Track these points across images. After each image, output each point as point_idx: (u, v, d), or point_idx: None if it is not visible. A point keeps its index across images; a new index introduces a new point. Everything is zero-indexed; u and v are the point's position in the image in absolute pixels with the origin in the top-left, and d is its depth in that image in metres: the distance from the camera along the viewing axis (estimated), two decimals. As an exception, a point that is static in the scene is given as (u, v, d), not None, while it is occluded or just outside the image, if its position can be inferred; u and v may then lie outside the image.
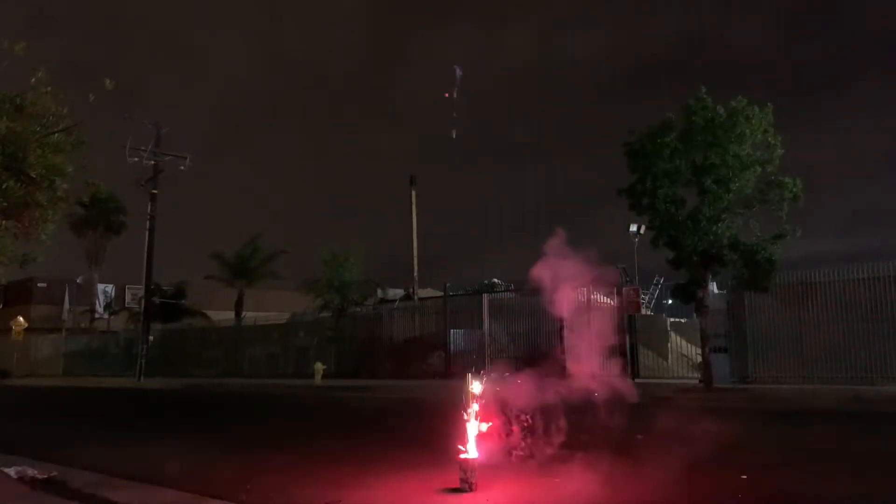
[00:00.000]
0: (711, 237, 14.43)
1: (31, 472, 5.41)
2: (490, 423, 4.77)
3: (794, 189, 14.17)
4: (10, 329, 35.82)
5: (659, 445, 6.90)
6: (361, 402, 15.00)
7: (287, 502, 4.44)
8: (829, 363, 15.35)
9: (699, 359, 16.59)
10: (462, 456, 4.65)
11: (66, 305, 42.95)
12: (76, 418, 12.62)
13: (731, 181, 14.30)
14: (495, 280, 30.33)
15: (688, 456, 6.02)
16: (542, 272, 5.29)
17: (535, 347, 20.20)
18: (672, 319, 22.20)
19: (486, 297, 23.05)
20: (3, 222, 6.34)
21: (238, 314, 35.38)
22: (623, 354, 18.31)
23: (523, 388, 5.13)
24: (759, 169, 14.45)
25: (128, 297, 45.63)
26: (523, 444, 5.17)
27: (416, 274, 24.31)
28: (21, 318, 36.35)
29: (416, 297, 24.56)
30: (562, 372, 6.18)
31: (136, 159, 28.80)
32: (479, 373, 4.86)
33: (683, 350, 20.73)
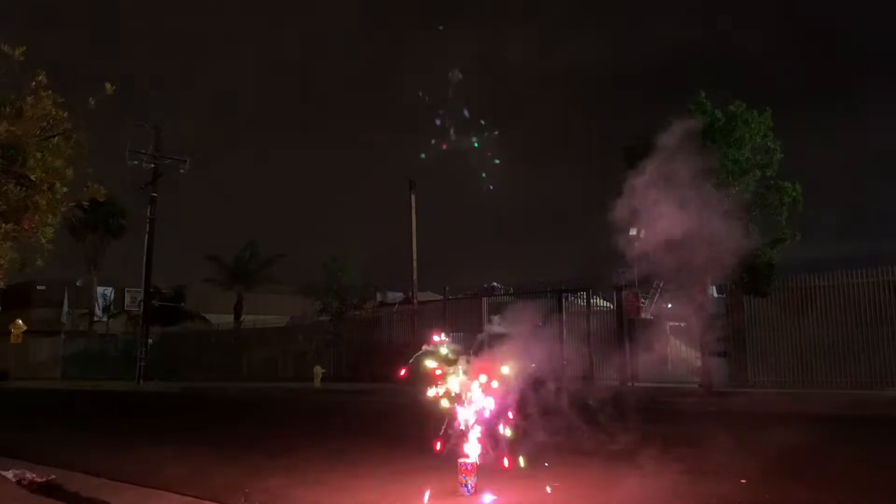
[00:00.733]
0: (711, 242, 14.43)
1: (29, 475, 5.40)
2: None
3: (794, 193, 14.20)
4: (10, 332, 35.78)
5: (657, 450, 6.90)
6: (360, 406, 14.98)
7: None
8: (829, 368, 15.35)
9: (699, 363, 16.59)
10: (461, 460, 4.65)
11: (66, 308, 42.94)
12: (75, 421, 12.60)
13: (730, 185, 14.32)
14: (495, 283, 30.33)
15: (686, 461, 6.02)
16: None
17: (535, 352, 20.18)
18: (671, 323, 22.18)
19: (485, 300, 23.04)
20: (3, 226, 6.33)
21: (237, 317, 35.38)
22: (623, 358, 18.32)
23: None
24: (758, 173, 14.47)
25: (127, 300, 45.60)
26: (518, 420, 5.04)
27: (415, 277, 24.31)
28: (20, 321, 36.32)
29: (415, 301, 24.54)
30: (560, 376, 6.15)
31: (135, 162, 28.84)
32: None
33: (683, 354, 20.71)
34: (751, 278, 14.72)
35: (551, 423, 5.35)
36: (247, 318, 34.28)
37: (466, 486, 4.60)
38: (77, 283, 43.91)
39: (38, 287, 43.94)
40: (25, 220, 6.43)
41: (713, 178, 14.27)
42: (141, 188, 29.31)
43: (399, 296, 33.91)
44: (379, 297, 33.88)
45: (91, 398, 19.77)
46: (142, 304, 31.74)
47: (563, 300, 20.73)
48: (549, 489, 4.85)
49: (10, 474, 5.44)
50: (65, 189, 6.55)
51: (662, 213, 5.94)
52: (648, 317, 23.65)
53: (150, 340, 30.47)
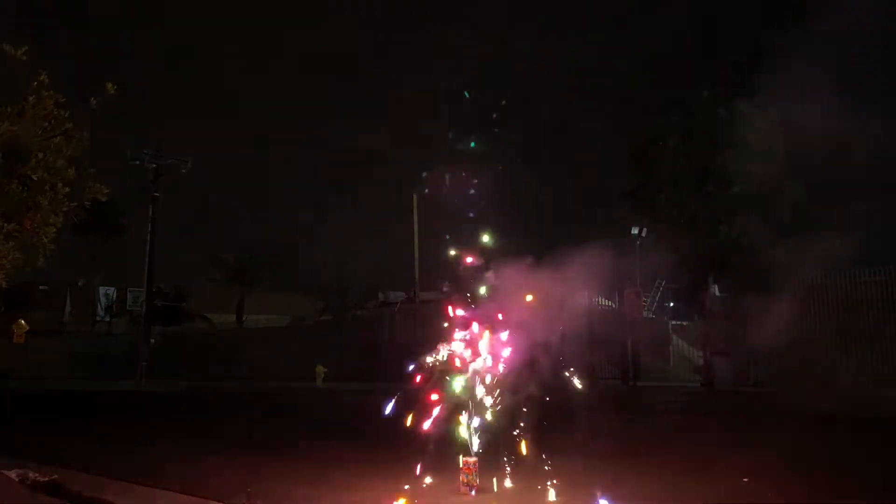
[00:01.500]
0: (713, 240, 14.43)
1: (32, 474, 5.40)
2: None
3: (797, 191, 14.18)
4: (12, 332, 35.83)
5: (661, 447, 6.89)
6: (363, 405, 14.97)
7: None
8: (832, 367, 15.30)
9: (701, 362, 16.57)
10: (464, 458, 4.64)
11: (68, 308, 42.99)
12: (78, 421, 12.61)
13: (733, 184, 14.31)
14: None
15: (690, 459, 6.01)
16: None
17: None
18: (674, 322, 22.17)
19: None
20: (5, 226, 6.34)
21: (239, 317, 35.41)
22: (624, 357, 18.30)
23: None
24: (761, 171, 14.45)
25: (129, 300, 45.64)
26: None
27: (417, 277, 24.31)
28: (23, 321, 36.36)
29: (417, 300, 24.54)
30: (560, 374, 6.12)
31: (137, 162, 28.88)
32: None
33: (685, 353, 20.70)
34: (754, 277, 14.70)
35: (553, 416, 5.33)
36: (249, 318, 34.32)
37: (469, 484, 4.59)
38: (79, 283, 43.98)
39: (41, 287, 43.98)
40: (27, 220, 6.44)
41: (716, 177, 14.32)
42: (146, 190, 29.33)
43: (401, 295, 33.93)
44: (381, 296, 33.88)
45: (93, 398, 19.78)
46: (144, 304, 31.77)
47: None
48: (550, 485, 4.83)
49: (13, 474, 5.44)
50: (66, 189, 6.55)
51: (665, 213, 5.91)
52: (650, 315, 23.66)
53: (152, 340, 30.48)
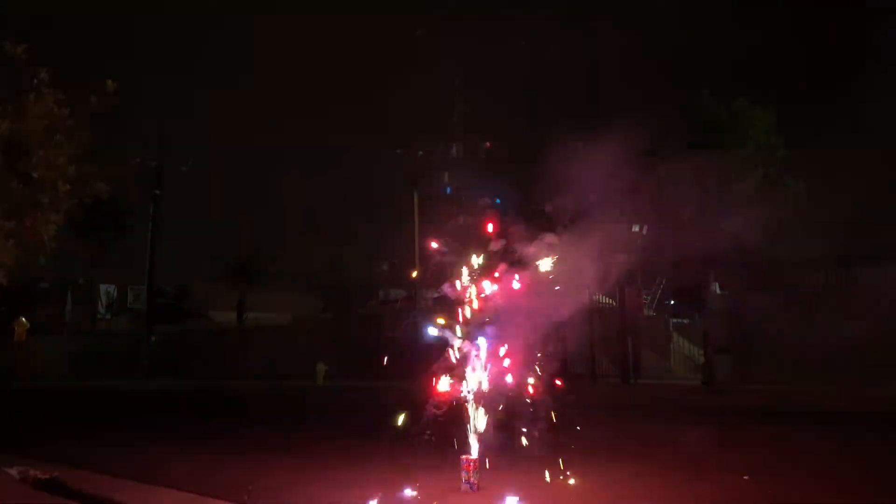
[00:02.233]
0: (714, 238, 14.41)
1: (32, 472, 5.40)
2: None
3: (797, 189, 14.18)
4: (13, 330, 35.87)
5: (659, 447, 6.90)
6: (364, 403, 14.99)
7: (289, 503, 4.44)
8: (834, 364, 15.29)
9: (702, 360, 16.57)
10: (464, 457, 4.65)
11: (69, 306, 43.01)
12: (78, 419, 12.62)
13: (733, 182, 14.30)
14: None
15: (691, 458, 6.02)
16: None
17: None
18: (674, 320, 22.16)
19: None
20: (6, 224, 6.35)
21: (240, 316, 35.44)
22: (625, 356, 18.29)
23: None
24: (761, 170, 14.45)
25: (130, 299, 45.70)
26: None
27: (418, 275, 24.30)
28: (24, 319, 36.40)
29: (418, 298, 24.57)
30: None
31: (138, 160, 28.93)
32: None
33: (686, 351, 20.69)
34: (754, 275, 14.70)
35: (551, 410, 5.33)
36: (250, 317, 34.35)
37: (470, 482, 4.60)
38: (80, 281, 44.01)
39: (42, 285, 44.06)
40: (28, 218, 6.45)
41: (717, 176, 14.30)
42: (147, 187, 29.39)
43: (402, 293, 33.95)
44: (382, 294, 33.89)
45: (94, 396, 19.81)
46: (145, 302, 31.81)
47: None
48: (553, 484, 4.84)
49: (13, 471, 5.45)
50: (67, 187, 6.56)
51: (666, 211, 5.90)
52: (651, 313, 23.65)
53: (153, 338, 30.52)
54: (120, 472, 5.53)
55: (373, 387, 19.12)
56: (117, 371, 33.59)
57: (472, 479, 4.60)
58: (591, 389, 12.25)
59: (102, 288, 44.70)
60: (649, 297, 23.89)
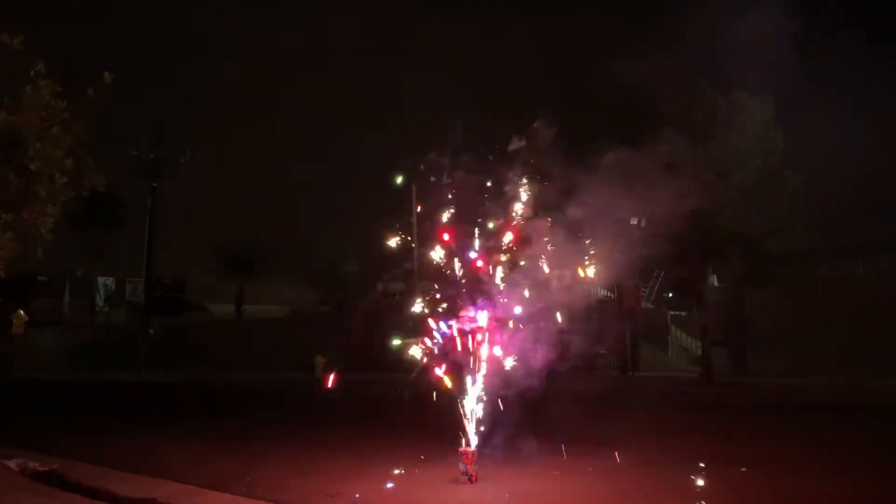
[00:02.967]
0: (712, 231, 14.40)
1: (32, 464, 5.42)
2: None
3: (795, 182, 14.15)
4: (11, 323, 35.83)
5: (656, 439, 6.92)
6: (362, 396, 15.01)
7: (287, 495, 4.45)
8: (830, 357, 15.35)
9: (699, 352, 16.61)
10: (462, 448, 4.66)
11: (67, 299, 42.99)
12: (77, 411, 12.64)
13: (731, 174, 14.26)
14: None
15: (686, 450, 6.04)
16: None
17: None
18: (672, 313, 22.20)
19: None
20: (3, 216, 6.33)
21: (238, 308, 35.40)
22: (623, 348, 18.33)
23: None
24: (759, 162, 14.41)
25: (128, 291, 45.65)
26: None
27: (416, 266, 24.30)
28: (22, 312, 36.36)
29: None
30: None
31: (136, 153, 28.85)
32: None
33: (684, 343, 20.75)
34: (752, 268, 14.70)
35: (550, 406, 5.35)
36: (248, 309, 34.33)
37: (467, 473, 4.61)
38: (78, 274, 43.96)
39: (39, 278, 43.97)
40: (25, 211, 6.43)
41: (716, 167, 14.25)
42: (143, 179, 29.34)
43: (401, 286, 33.92)
44: (380, 287, 33.87)
45: (93, 388, 19.83)
46: (143, 294, 31.80)
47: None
48: (548, 476, 4.86)
49: (13, 463, 5.46)
50: (64, 179, 6.54)
51: (664, 202, 5.88)
52: (649, 306, 23.69)
53: (151, 331, 30.54)
54: (118, 464, 5.54)
55: (371, 379, 19.15)
56: (115, 363, 33.62)
57: (469, 471, 4.61)
58: (589, 381, 12.26)
59: (100, 281, 44.63)
60: (647, 290, 23.93)
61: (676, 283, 16.32)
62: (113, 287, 45.76)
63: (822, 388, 12.93)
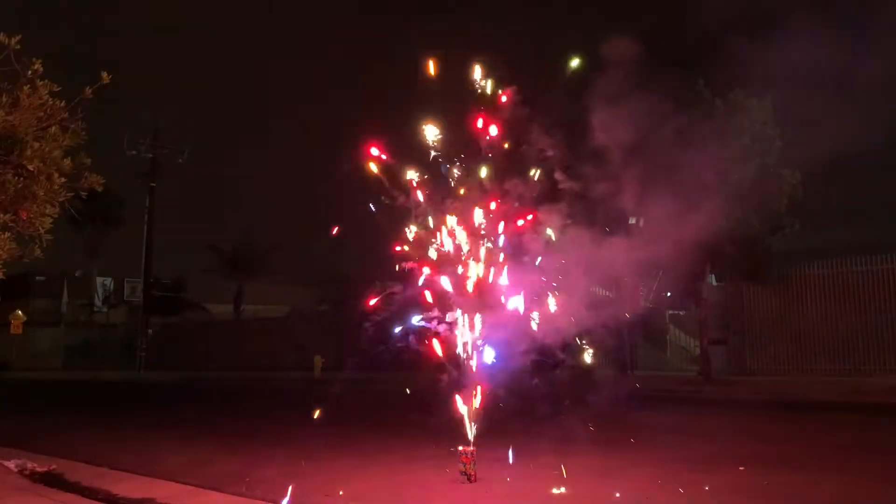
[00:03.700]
0: (710, 230, 14.40)
1: (31, 465, 5.42)
2: None
3: (793, 181, 14.17)
4: (9, 323, 35.78)
5: (655, 438, 6.93)
6: (361, 396, 15.01)
7: (286, 495, 4.45)
8: (828, 355, 15.38)
9: (698, 351, 16.63)
10: (461, 448, 4.66)
11: (65, 299, 42.93)
12: (76, 411, 12.63)
13: (729, 174, 14.25)
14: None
15: (684, 448, 6.05)
16: None
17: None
18: (671, 311, 22.18)
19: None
20: (1, 216, 6.32)
21: (237, 307, 35.38)
22: (622, 347, 18.33)
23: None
24: (757, 161, 14.42)
25: (126, 291, 45.57)
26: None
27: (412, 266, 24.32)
28: (20, 312, 36.31)
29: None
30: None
31: (134, 152, 28.81)
32: None
33: (682, 342, 20.75)
34: (750, 266, 14.72)
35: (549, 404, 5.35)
36: (247, 308, 34.30)
37: (467, 473, 4.61)
38: (76, 274, 43.91)
39: (38, 278, 43.89)
40: (23, 211, 6.41)
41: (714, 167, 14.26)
42: (140, 179, 29.30)
43: (399, 285, 33.86)
44: (379, 286, 33.84)
45: (92, 388, 19.82)
46: (142, 294, 31.77)
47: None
48: (547, 475, 4.86)
49: (12, 464, 5.46)
50: (63, 179, 6.52)
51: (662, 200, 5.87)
52: (648, 304, 23.66)
53: (150, 331, 30.51)
54: (117, 464, 5.54)
55: (370, 378, 19.15)
56: (114, 363, 33.60)
57: (468, 471, 4.61)
58: (587, 380, 12.23)
59: (99, 280, 44.56)
60: (646, 289, 23.90)
61: (675, 282, 16.31)
62: (111, 287, 45.70)
63: (820, 386, 12.96)
